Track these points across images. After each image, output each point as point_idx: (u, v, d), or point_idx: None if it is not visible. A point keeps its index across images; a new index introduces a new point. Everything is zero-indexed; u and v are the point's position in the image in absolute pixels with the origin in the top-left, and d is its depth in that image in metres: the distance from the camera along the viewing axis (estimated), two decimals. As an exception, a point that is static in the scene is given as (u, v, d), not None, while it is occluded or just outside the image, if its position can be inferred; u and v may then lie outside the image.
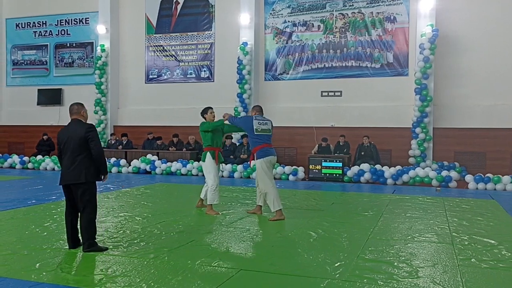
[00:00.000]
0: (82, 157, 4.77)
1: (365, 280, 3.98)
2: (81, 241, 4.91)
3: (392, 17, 13.64)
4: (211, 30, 15.44)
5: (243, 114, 14.25)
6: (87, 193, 4.77)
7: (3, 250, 4.82)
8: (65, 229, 4.99)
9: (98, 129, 15.94)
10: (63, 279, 3.95)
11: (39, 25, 17.65)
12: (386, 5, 13.67)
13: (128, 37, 16.44)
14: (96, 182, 4.90)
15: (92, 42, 16.82)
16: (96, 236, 4.89)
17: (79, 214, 4.84)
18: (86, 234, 4.75)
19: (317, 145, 13.09)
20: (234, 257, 4.67)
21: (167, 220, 6.51)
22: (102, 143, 15.61)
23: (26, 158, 15.07)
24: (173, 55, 15.92)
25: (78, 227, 4.89)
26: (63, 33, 17.32)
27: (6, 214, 6.85)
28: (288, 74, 14.64)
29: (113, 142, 15.13)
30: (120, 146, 14.75)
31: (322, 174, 12.05)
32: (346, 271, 4.23)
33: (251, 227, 6.17)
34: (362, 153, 12.66)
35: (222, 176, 12.44)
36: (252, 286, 3.87)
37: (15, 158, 15.13)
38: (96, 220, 4.89)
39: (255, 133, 6.73)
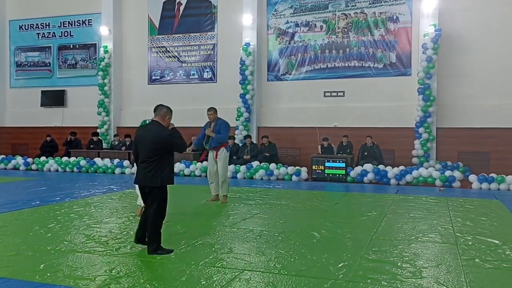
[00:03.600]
0: (156, 161, 4.77)
1: (368, 281, 3.98)
2: (146, 240, 4.94)
3: (394, 17, 13.62)
4: (213, 31, 15.46)
5: (246, 115, 14.26)
6: (158, 197, 4.82)
7: (7, 251, 4.84)
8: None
9: (102, 130, 16.00)
10: (68, 280, 3.96)
11: (42, 27, 17.71)
12: (389, 5, 13.65)
13: (131, 38, 16.48)
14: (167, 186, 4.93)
15: (95, 44, 16.87)
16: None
17: (148, 215, 4.88)
18: (152, 239, 4.78)
19: (319, 146, 13.08)
20: (237, 258, 4.68)
21: (170, 221, 6.51)
22: (105, 145, 15.69)
23: (30, 160, 15.12)
24: (176, 56, 15.94)
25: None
26: (66, 34, 17.37)
27: (10, 216, 6.87)
28: (290, 74, 14.64)
29: (116, 143, 15.17)
30: (124, 147, 14.77)
31: (325, 175, 12.05)
32: (350, 271, 4.23)
33: (254, 227, 6.18)
34: (365, 153, 12.64)
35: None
36: (256, 287, 3.87)
37: (19, 160, 15.19)
38: (162, 224, 4.90)
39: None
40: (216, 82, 15.47)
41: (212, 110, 8.15)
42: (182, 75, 15.91)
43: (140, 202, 7.34)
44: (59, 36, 17.45)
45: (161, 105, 5.06)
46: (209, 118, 8.12)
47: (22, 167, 15.00)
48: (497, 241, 5.45)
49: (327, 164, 12.06)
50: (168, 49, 16.03)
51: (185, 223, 6.40)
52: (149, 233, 4.80)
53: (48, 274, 4.10)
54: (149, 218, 4.80)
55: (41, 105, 17.50)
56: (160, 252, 4.72)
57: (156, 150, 4.77)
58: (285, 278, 4.04)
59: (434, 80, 12.75)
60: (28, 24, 17.91)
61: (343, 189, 10.60)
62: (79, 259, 4.59)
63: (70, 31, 17.32)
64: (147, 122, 7.20)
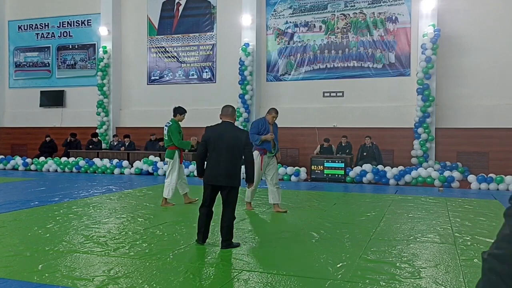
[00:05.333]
0: (239, 162, 5.04)
1: (367, 281, 3.98)
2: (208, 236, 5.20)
3: (393, 17, 13.62)
4: (213, 31, 15.46)
5: (245, 115, 14.26)
6: (235, 196, 5.09)
7: (5, 252, 4.84)
8: (196, 225, 5.26)
9: (101, 130, 16.00)
10: (66, 281, 3.96)
11: (41, 27, 17.70)
12: (388, 5, 13.66)
13: (130, 39, 16.47)
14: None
15: (94, 44, 16.87)
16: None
17: (222, 213, 5.07)
18: (228, 234, 5.00)
19: (319, 145, 13.09)
20: (236, 258, 4.68)
21: (169, 221, 6.52)
22: (104, 145, 15.69)
23: (29, 160, 15.10)
24: (175, 56, 15.93)
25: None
26: (65, 35, 17.37)
27: (9, 216, 6.87)
28: (290, 74, 14.64)
29: (115, 143, 15.16)
30: (123, 148, 14.77)
31: (324, 175, 12.04)
32: (348, 271, 4.23)
33: (253, 227, 6.17)
34: (364, 153, 12.64)
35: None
36: (254, 287, 3.87)
37: (18, 160, 15.17)
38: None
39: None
40: (215, 82, 15.47)
41: (277, 113, 7.67)
42: (181, 75, 15.90)
43: (167, 194, 7.73)
44: (58, 36, 17.44)
45: (227, 106, 5.21)
46: (271, 121, 7.61)
47: (21, 168, 14.99)
48: (495, 241, 5.44)
49: (326, 164, 12.05)
50: (167, 49, 16.03)
51: (183, 223, 6.39)
52: (225, 229, 5.00)
53: (46, 275, 4.10)
54: (227, 215, 5.02)
55: (40, 106, 17.49)
56: (232, 246, 5.01)
57: (238, 150, 5.00)
58: (283, 278, 4.04)
59: (433, 81, 12.75)
60: (27, 25, 17.90)
61: (342, 189, 10.60)
62: (78, 259, 4.58)
63: (69, 32, 17.31)
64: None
